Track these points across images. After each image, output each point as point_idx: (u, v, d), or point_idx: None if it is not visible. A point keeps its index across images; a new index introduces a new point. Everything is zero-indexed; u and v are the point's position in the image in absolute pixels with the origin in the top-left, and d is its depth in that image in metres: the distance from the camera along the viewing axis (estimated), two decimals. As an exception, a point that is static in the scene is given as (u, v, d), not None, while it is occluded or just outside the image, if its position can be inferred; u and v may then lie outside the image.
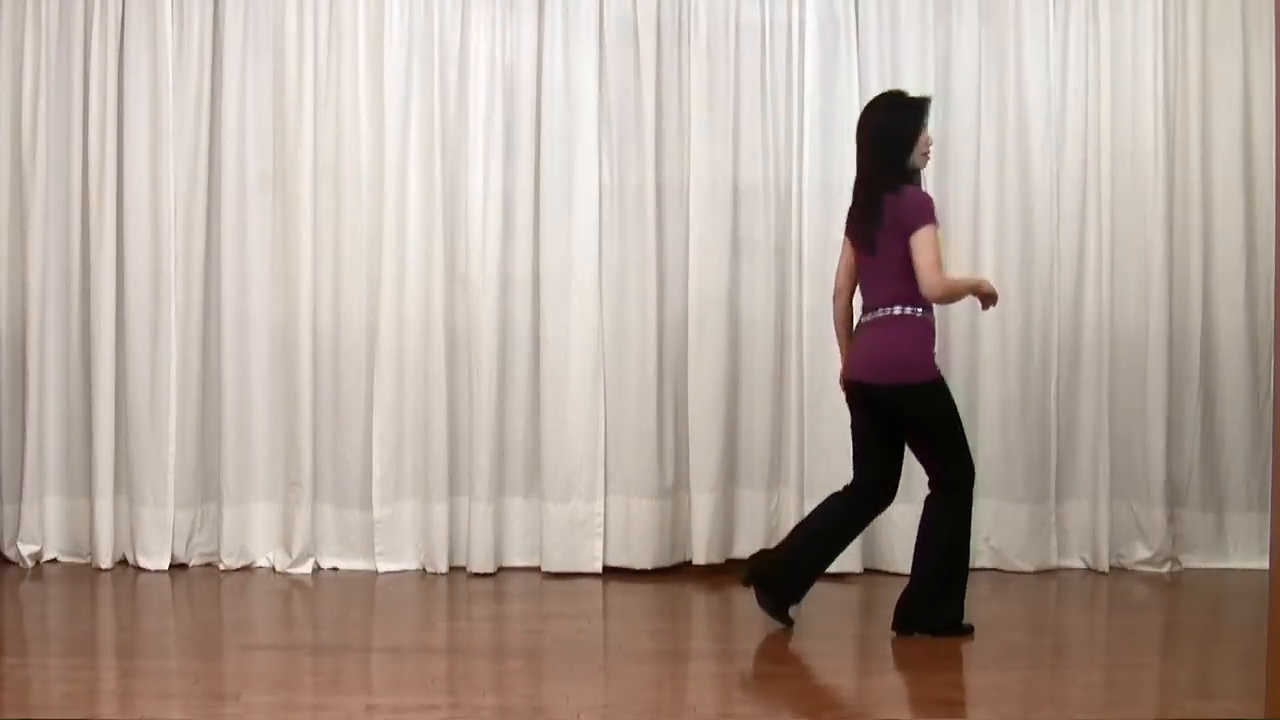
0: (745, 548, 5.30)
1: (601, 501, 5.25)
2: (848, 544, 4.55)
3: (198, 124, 5.27)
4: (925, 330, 4.32)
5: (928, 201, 4.28)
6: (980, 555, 5.33)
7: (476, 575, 5.20)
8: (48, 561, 5.32)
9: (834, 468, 5.18)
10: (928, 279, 4.19)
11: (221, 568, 5.28)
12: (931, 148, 4.47)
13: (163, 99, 5.25)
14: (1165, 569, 5.30)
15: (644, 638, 4.43)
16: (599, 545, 5.25)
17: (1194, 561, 5.37)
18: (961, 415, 5.26)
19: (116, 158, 5.25)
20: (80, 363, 5.32)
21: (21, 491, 5.31)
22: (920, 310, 4.29)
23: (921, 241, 4.19)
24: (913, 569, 4.41)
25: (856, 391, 4.41)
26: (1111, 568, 5.30)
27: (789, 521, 5.28)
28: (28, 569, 5.25)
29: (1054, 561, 5.33)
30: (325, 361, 5.29)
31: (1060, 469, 5.33)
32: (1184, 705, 3.74)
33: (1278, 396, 3.75)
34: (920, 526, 4.38)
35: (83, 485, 5.32)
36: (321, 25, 5.25)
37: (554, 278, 5.21)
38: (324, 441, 5.29)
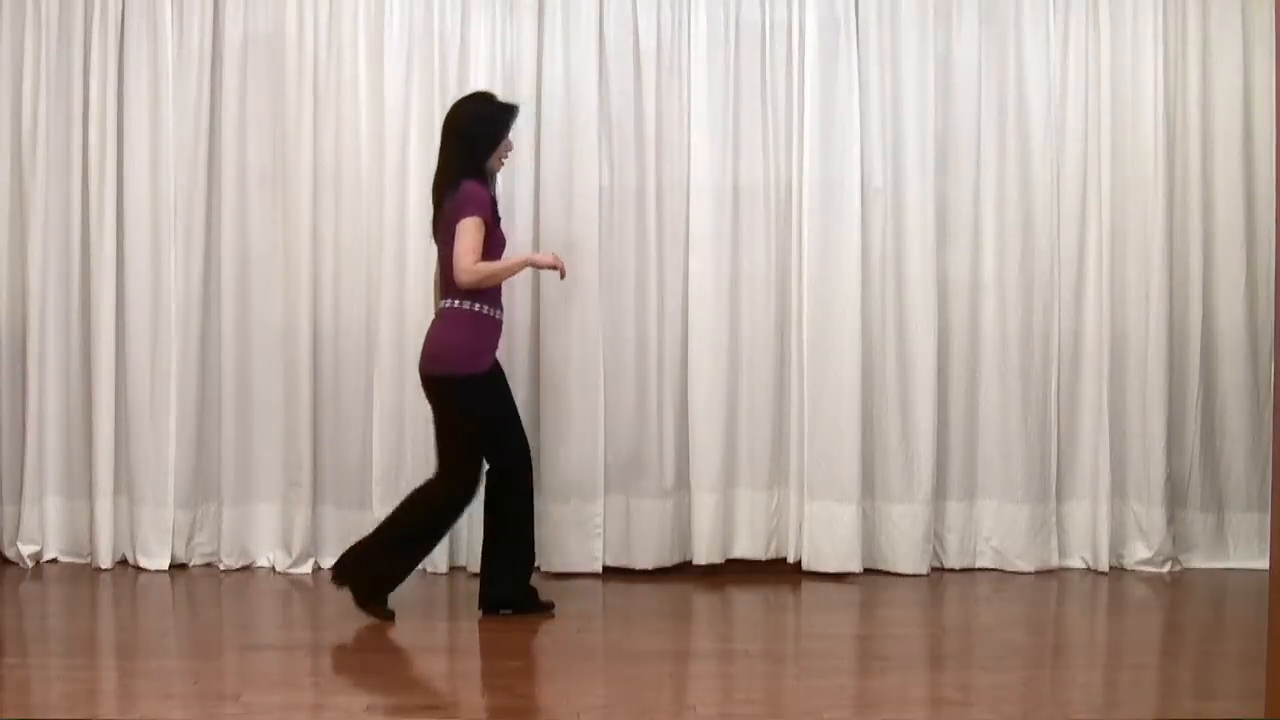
0: (745, 548, 5.30)
1: (601, 501, 5.25)
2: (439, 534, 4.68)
3: (198, 124, 5.27)
4: (470, 324, 4.43)
5: (478, 194, 4.39)
6: (981, 555, 5.35)
7: (477, 575, 5.18)
8: (48, 561, 5.32)
9: (834, 467, 5.21)
10: (456, 265, 4.34)
11: (221, 568, 5.28)
12: (511, 153, 4.67)
13: (163, 99, 5.26)
14: (1165, 569, 5.30)
15: (644, 638, 4.43)
16: (599, 545, 5.25)
17: (1194, 561, 5.37)
18: (961, 415, 5.32)
19: (116, 158, 5.25)
20: (80, 363, 5.32)
21: (21, 491, 5.31)
22: (467, 304, 4.41)
23: (460, 230, 4.35)
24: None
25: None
26: (1111, 568, 5.30)
27: (789, 521, 5.29)
28: (28, 569, 5.25)
29: (1054, 561, 5.33)
30: (325, 361, 5.30)
31: (1060, 469, 5.33)
32: (1184, 705, 3.74)
33: (1278, 396, 3.75)
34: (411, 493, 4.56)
35: (83, 485, 5.32)
36: (321, 25, 5.26)
37: (554, 278, 5.20)
38: (324, 441, 5.29)
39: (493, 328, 4.52)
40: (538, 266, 4.67)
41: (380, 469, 5.24)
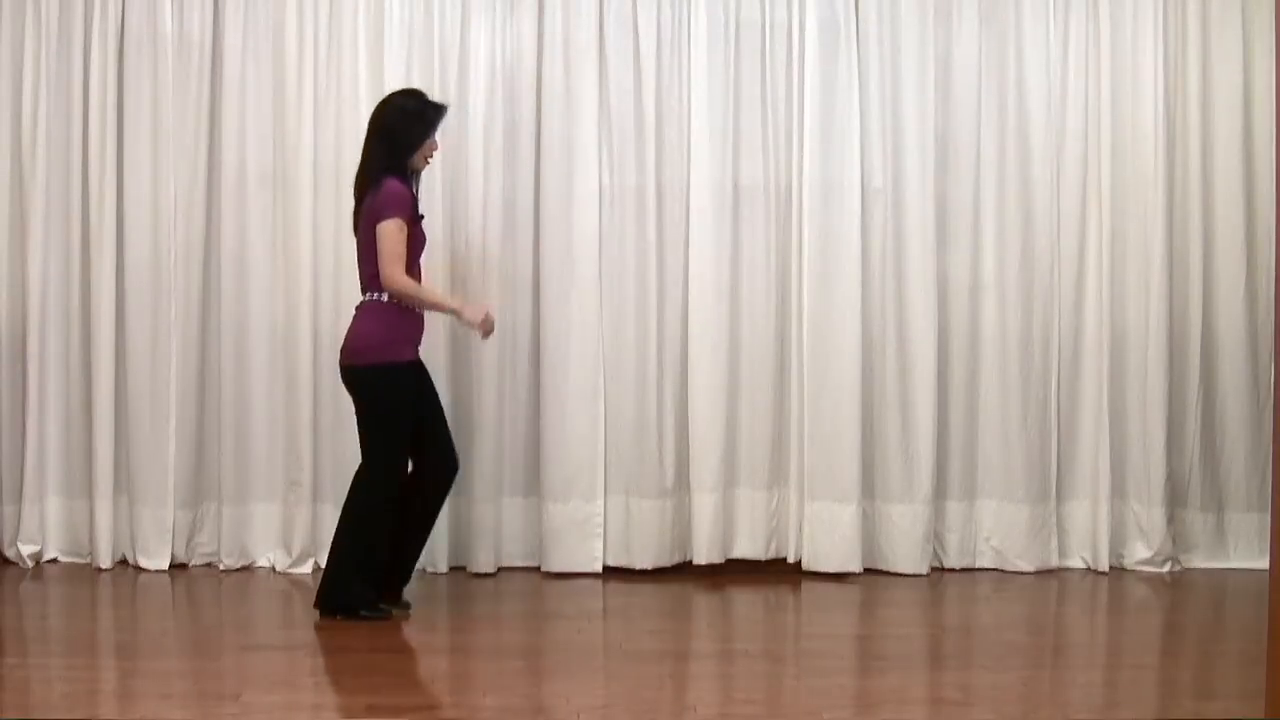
0: (745, 548, 5.30)
1: (601, 501, 5.25)
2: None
3: (198, 124, 5.27)
4: (386, 316, 4.45)
5: (399, 193, 4.41)
6: (981, 555, 5.36)
7: (477, 575, 5.20)
8: (48, 561, 5.32)
9: (834, 467, 5.21)
10: (383, 271, 4.39)
11: (221, 568, 5.28)
12: (437, 153, 4.68)
13: (163, 99, 5.25)
14: (1165, 569, 5.30)
15: (644, 638, 4.43)
16: (599, 545, 5.25)
17: (1194, 561, 5.38)
18: (961, 415, 5.32)
19: (116, 158, 5.25)
20: (80, 363, 5.32)
21: (21, 491, 5.31)
22: (385, 297, 4.45)
23: (381, 234, 4.38)
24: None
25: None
26: (1111, 568, 5.30)
27: (789, 521, 5.29)
28: (28, 569, 5.25)
29: (1054, 561, 5.33)
30: (325, 361, 5.28)
31: (1060, 469, 5.33)
32: (1184, 705, 3.74)
33: (1278, 396, 3.75)
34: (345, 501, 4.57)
35: (83, 485, 5.32)
36: (321, 25, 5.25)
37: (554, 278, 5.21)
38: (324, 441, 5.29)
39: (411, 321, 4.53)
40: (461, 321, 4.64)
41: (380, 469, 5.23)
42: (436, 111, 4.60)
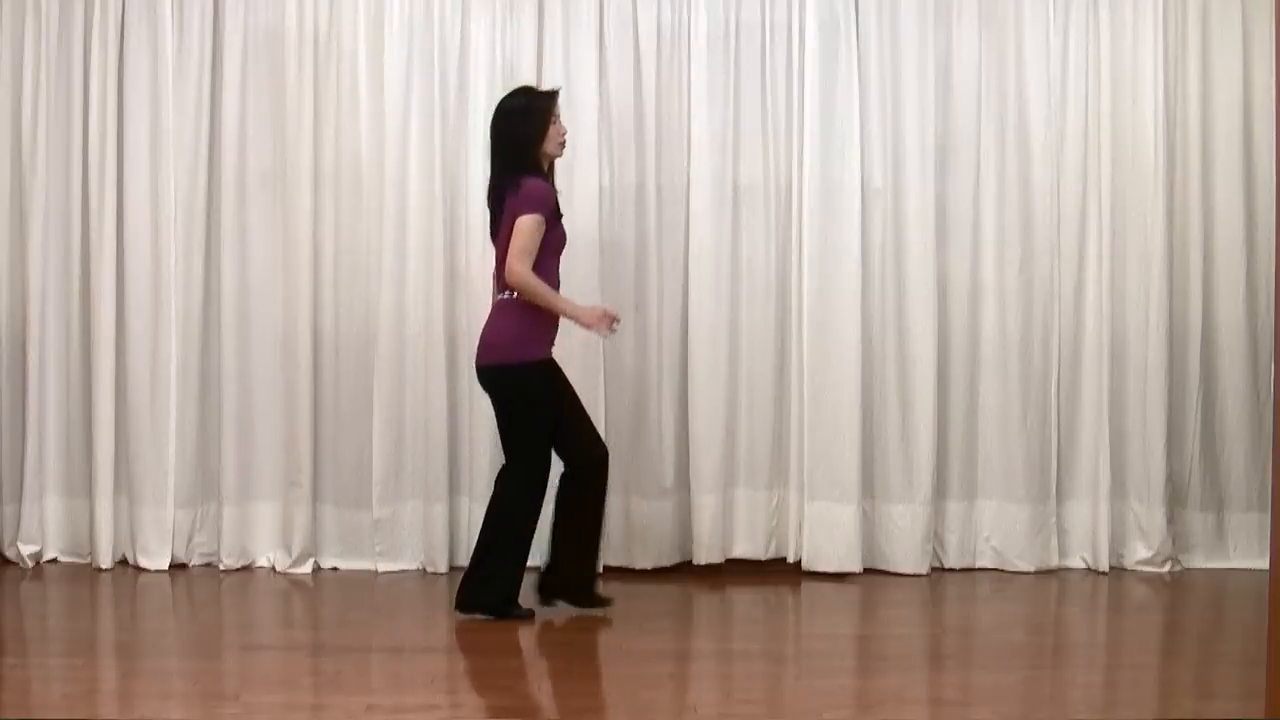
0: (745, 548, 5.30)
1: (601, 501, 5.25)
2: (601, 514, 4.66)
3: (198, 124, 5.27)
4: (522, 314, 4.42)
5: (539, 191, 4.39)
6: (981, 555, 5.35)
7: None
8: (48, 561, 5.32)
9: (834, 467, 5.21)
10: (509, 263, 4.36)
11: (221, 568, 5.28)
12: (566, 137, 4.61)
13: (163, 99, 5.26)
14: (1165, 569, 5.30)
15: (644, 638, 4.43)
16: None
17: (1194, 561, 5.38)
18: (961, 415, 5.32)
19: (116, 158, 5.25)
20: (80, 363, 5.32)
21: (21, 491, 5.31)
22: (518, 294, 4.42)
23: (518, 228, 4.35)
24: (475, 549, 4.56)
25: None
26: (1111, 568, 5.30)
27: (789, 521, 5.29)
28: (28, 569, 5.25)
29: (1054, 561, 5.33)
30: (325, 361, 5.30)
31: (1060, 469, 5.33)
32: (1184, 705, 3.74)
33: (1278, 396, 3.75)
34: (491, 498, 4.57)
35: (83, 485, 5.32)
36: (321, 25, 5.26)
37: (554, 278, 5.21)
38: (324, 441, 5.30)
39: (548, 319, 4.48)
40: (580, 323, 4.52)
41: (380, 469, 5.24)
42: (548, 99, 4.55)
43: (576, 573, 4.62)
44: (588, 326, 4.52)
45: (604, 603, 4.64)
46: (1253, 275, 5.34)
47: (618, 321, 4.59)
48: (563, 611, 4.59)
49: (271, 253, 5.28)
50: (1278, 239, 3.70)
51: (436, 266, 5.22)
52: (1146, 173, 5.30)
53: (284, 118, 5.24)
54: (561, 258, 4.57)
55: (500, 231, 4.48)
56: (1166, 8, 5.31)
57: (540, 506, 4.53)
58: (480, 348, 4.52)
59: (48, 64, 5.25)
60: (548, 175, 4.54)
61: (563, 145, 4.59)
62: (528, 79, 5.23)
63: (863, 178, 5.25)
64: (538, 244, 4.37)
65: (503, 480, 4.54)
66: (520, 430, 4.47)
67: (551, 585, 4.64)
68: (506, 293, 4.46)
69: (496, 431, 5.21)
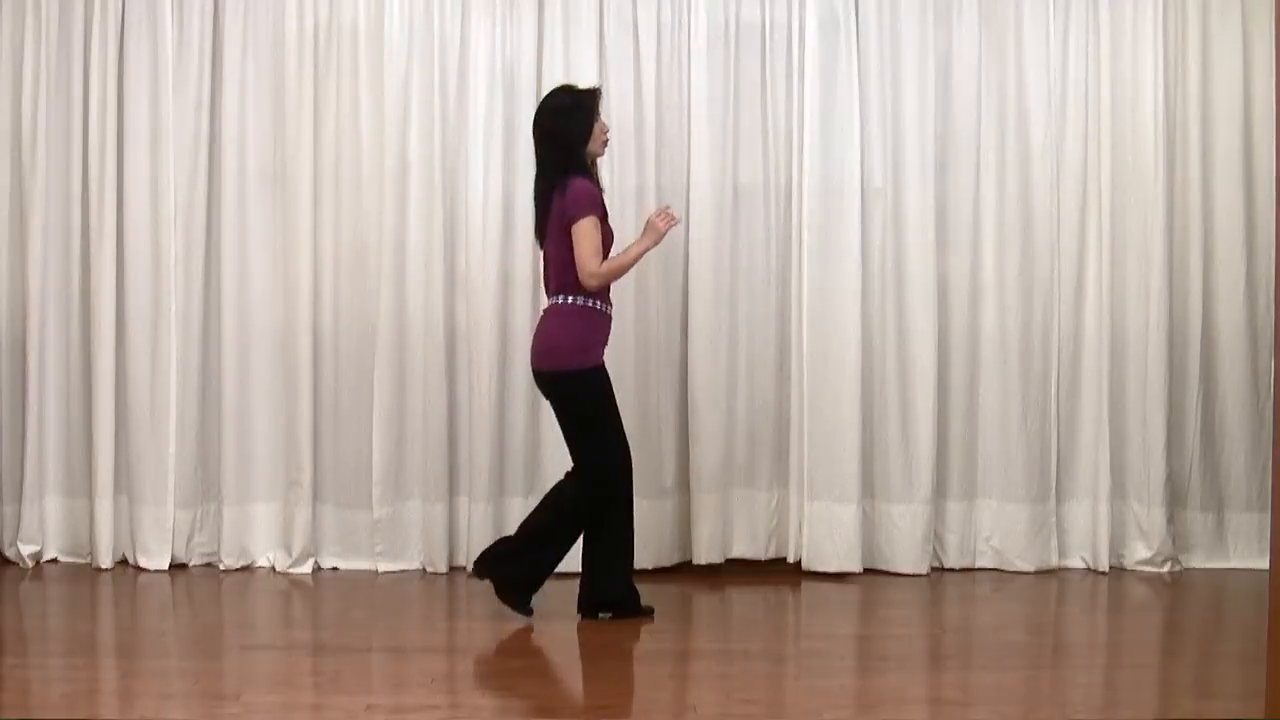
0: (745, 548, 5.30)
1: (601, 501, 5.25)
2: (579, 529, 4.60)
3: (198, 124, 5.27)
4: (580, 319, 4.42)
5: (588, 192, 4.38)
6: (981, 555, 5.35)
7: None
8: (48, 561, 5.32)
9: (834, 467, 5.21)
10: (583, 269, 4.34)
11: (221, 568, 5.28)
12: (609, 134, 4.60)
13: (163, 99, 5.26)
14: (1165, 569, 5.30)
15: (644, 638, 4.43)
16: (599, 545, 5.24)
17: (1194, 561, 5.37)
18: (961, 415, 5.32)
19: (116, 158, 5.25)
20: (80, 363, 5.32)
21: (21, 491, 5.31)
22: (577, 299, 4.41)
23: (578, 234, 4.34)
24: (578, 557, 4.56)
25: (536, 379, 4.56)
26: (1111, 568, 5.30)
27: (789, 521, 5.29)
28: (28, 569, 5.25)
29: (1054, 561, 5.33)
30: (325, 361, 5.30)
31: (1060, 469, 5.33)
32: (1184, 705, 3.74)
33: (1278, 396, 3.75)
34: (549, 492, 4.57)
35: (83, 485, 5.32)
36: (321, 25, 5.26)
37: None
38: (324, 441, 5.29)
39: (602, 322, 4.49)
40: (658, 234, 4.49)
41: (380, 469, 5.24)
42: (592, 97, 4.55)
43: (602, 576, 4.55)
44: (661, 235, 4.49)
45: (646, 610, 4.58)
46: (1253, 275, 5.34)
47: (670, 211, 4.54)
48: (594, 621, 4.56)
49: (271, 252, 5.28)
50: (1278, 239, 3.70)
51: (436, 266, 5.22)
52: (1146, 173, 5.30)
53: (284, 118, 5.24)
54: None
55: (550, 233, 4.46)
56: (1166, 8, 5.31)
57: (619, 500, 4.49)
58: (538, 351, 4.49)
59: (48, 64, 5.25)
60: (592, 174, 4.52)
61: (605, 144, 4.59)
62: (528, 79, 5.24)
63: (863, 178, 5.25)
64: (600, 244, 4.37)
65: (576, 487, 4.49)
66: (590, 434, 4.46)
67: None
68: (564, 298, 4.44)
69: (495, 431, 5.24)
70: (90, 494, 5.28)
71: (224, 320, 5.28)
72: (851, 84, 5.25)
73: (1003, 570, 5.31)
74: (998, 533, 5.33)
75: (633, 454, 5.24)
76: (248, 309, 5.29)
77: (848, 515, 5.21)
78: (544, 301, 5.18)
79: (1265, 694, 3.30)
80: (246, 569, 5.28)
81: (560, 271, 4.44)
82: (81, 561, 5.32)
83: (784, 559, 5.32)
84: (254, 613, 4.81)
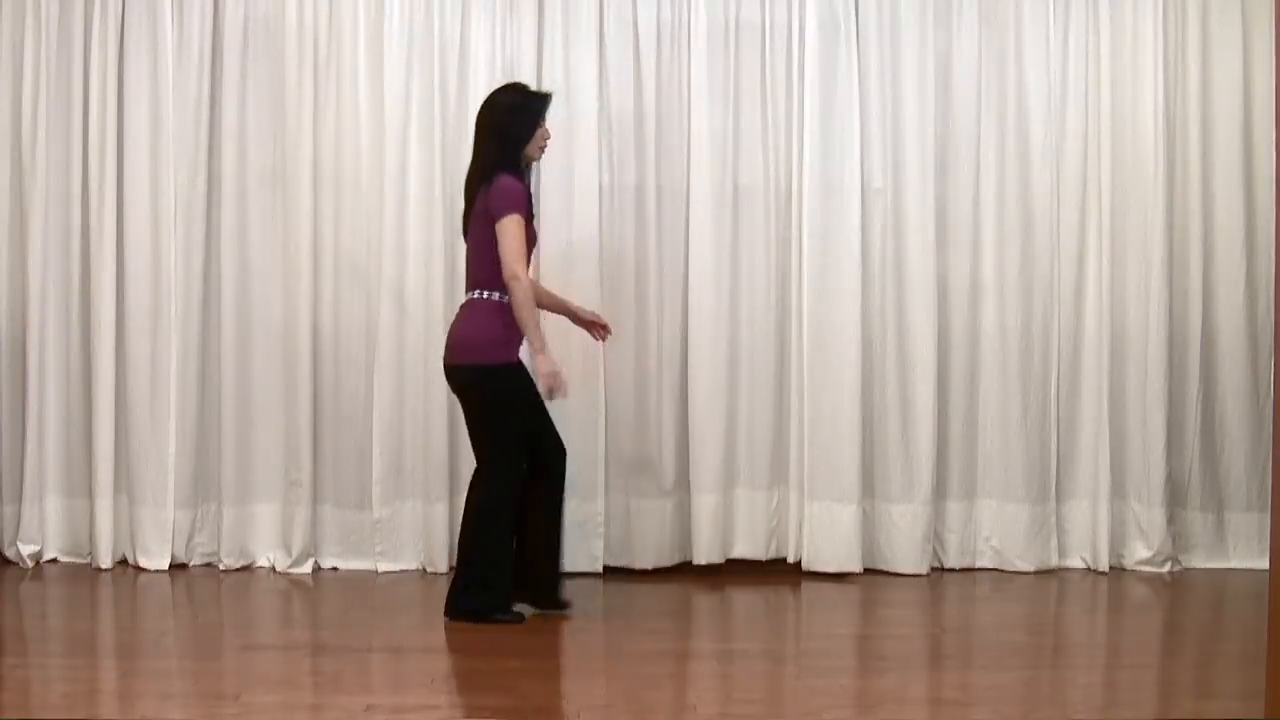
0: (745, 548, 5.30)
1: (601, 501, 5.25)
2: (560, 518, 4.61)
3: (198, 124, 5.27)
4: (496, 315, 4.40)
5: (514, 189, 4.37)
6: (981, 555, 5.36)
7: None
8: (48, 561, 5.32)
9: (834, 467, 5.21)
10: (507, 269, 4.32)
11: (221, 568, 5.28)
12: (548, 141, 4.59)
13: (163, 99, 5.26)
14: (1165, 569, 5.30)
15: (644, 638, 4.43)
16: (599, 545, 5.25)
17: (1194, 561, 5.38)
18: (961, 415, 5.33)
19: (116, 158, 5.25)
20: (80, 363, 5.32)
21: (21, 491, 5.31)
22: (494, 295, 4.40)
23: (502, 231, 4.33)
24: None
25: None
26: (1111, 568, 5.30)
27: (789, 521, 5.29)
28: (28, 569, 5.25)
29: (1054, 561, 5.33)
30: (325, 361, 5.30)
31: (1060, 469, 5.34)
32: (1184, 705, 3.74)
33: (1278, 396, 3.75)
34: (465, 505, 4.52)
35: (83, 485, 5.32)
36: (321, 25, 5.26)
37: (554, 278, 5.20)
38: (324, 441, 5.30)
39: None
40: (538, 365, 4.44)
41: (380, 469, 5.24)
42: (542, 101, 4.56)
43: (540, 573, 4.57)
44: (538, 369, 4.43)
45: (566, 604, 4.59)
46: (1253, 275, 5.35)
47: (562, 389, 4.46)
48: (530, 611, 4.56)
49: (271, 252, 5.28)
50: (1277, 239, 3.70)
51: (436, 266, 5.22)
52: (1146, 173, 5.30)
53: (284, 118, 5.24)
54: (534, 257, 4.57)
55: (471, 228, 4.48)
56: (1166, 8, 5.31)
57: (513, 507, 4.48)
58: (453, 348, 4.47)
59: (48, 64, 5.25)
60: (524, 176, 4.53)
61: (543, 149, 4.59)
62: (528, 79, 5.23)
63: (863, 178, 5.25)
64: (525, 243, 4.37)
65: (476, 485, 4.50)
66: (493, 432, 4.45)
67: (515, 585, 4.59)
68: (482, 293, 4.44)
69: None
70: (90, 494, 5.28)
71: (224, 320, 5.28)
72: (851, 84, 5.25)
73: (1003, 570, 5.31)
74: (998, 533, 5.33)
75: (632, 454, 5.27)
76: (248, 309, 5.29)
77: (848, 515, 5.21)
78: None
79: (1265, 694, 3.29)
80: (246, 569, 5.28)
81: (480, 266, 4.43)
82: (81, 561, 5.32)
83: (784, 559, 5.32)
84: (254, 613, 4.81)
